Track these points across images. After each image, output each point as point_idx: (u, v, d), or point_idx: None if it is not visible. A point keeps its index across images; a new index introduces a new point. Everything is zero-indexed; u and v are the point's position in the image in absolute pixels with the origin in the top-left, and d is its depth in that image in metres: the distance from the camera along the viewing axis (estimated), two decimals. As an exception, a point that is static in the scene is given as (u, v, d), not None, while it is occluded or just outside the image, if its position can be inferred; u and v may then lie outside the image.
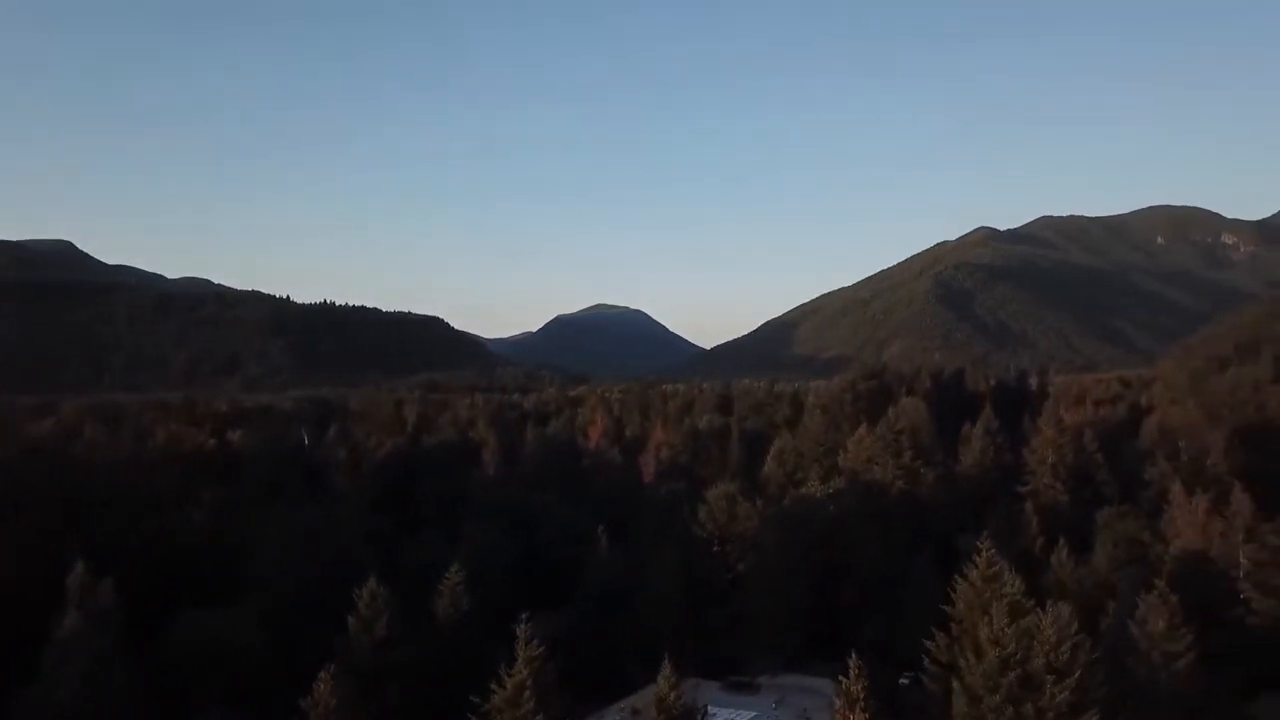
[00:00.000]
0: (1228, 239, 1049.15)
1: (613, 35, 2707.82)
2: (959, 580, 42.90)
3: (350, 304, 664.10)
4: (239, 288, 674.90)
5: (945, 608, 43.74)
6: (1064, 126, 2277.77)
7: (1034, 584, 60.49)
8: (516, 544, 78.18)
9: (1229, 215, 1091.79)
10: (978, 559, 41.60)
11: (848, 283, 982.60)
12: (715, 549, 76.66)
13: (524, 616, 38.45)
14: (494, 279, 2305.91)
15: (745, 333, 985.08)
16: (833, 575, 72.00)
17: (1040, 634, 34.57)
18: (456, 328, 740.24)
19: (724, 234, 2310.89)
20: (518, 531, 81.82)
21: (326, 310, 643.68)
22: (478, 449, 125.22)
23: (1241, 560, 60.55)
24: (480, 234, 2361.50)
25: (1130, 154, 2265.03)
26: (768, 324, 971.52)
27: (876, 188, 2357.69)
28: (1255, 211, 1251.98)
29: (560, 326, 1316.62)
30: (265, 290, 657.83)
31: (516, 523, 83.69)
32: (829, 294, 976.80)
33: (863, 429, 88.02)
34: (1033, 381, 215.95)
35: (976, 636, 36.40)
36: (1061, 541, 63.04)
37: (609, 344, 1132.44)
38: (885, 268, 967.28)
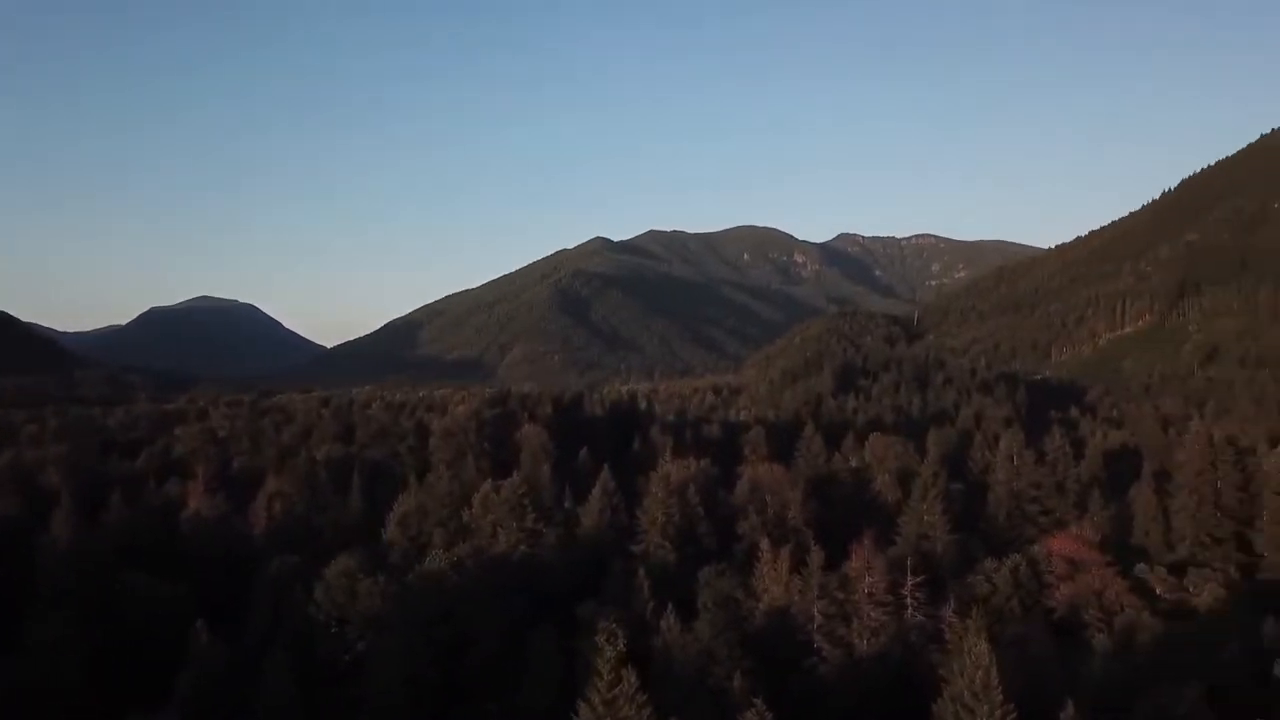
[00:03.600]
0: (798, 258, 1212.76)
1: (244, 22, 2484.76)
2: (581, 702, 44.04)
3: None
4: None
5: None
6: (671, 144, 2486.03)
7: (647, 649, 65.05)
8: (99, 640, 68.83)
9: (800, 237, 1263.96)
10: (599, 682, 42.87)
11: (473, 285, 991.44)
12: (334, 630, 73.18)
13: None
14: (74, 265, 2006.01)
15: (369, 332, 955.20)
16: (457, 648, 71.67)
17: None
18: (25, 321, 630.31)
19: (344, 230, 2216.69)
20: (100, 624, 71.88)
21: None
22: (48, 506, 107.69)
23: (815, 614, 69.43)
24: (56, 215, 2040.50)
25: (723, 176, 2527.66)
26: (392, 323, 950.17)
27: (503, 193, 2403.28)
28: (820, 235, 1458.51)
29: (155, 319, 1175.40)
30: None
31: (100, 614, 73.42)
32: (454, 295, 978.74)
33: (487, 486, 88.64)
34: (642, 400, 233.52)
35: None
36: (670, 607, 67.87)
37: (214, 341, 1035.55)
38: (509, 272, 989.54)
